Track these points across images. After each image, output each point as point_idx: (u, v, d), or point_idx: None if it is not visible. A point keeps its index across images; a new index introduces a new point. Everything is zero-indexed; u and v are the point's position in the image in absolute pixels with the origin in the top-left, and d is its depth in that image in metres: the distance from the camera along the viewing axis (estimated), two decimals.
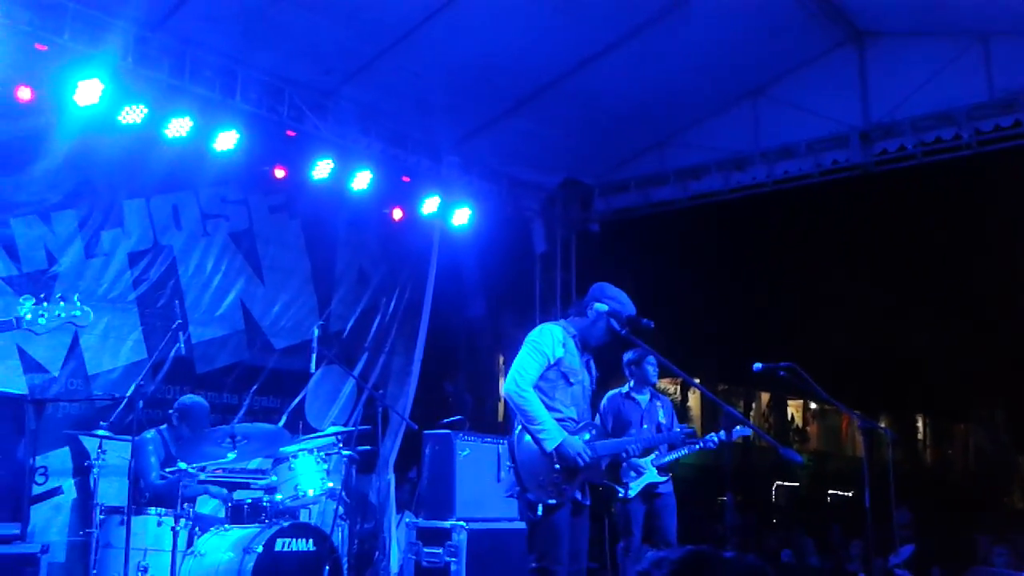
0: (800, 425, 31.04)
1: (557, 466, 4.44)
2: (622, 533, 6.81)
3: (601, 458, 4.66)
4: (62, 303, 4.43)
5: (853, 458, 25.12)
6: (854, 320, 24.39)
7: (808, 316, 23.87)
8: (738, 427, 6.88)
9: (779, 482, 25.65)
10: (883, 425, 7.75)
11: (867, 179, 9.03)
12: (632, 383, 6.91)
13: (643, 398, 6.88)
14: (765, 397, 29.74)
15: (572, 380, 4.61)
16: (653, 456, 6.84)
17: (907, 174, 9.41)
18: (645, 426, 6.81)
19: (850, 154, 8.68)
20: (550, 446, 4.42)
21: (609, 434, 6.14)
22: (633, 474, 6.78)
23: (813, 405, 31.01)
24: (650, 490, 6.81)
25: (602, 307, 4.62)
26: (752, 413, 28.12)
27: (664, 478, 6.84)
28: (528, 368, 4.54)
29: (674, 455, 6.86)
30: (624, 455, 4.81)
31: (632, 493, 6.76)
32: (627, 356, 6.73)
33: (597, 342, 4.66)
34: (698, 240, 19.64)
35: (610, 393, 6.96)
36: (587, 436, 4.58)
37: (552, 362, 4.57)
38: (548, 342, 4.59)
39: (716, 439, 6.76)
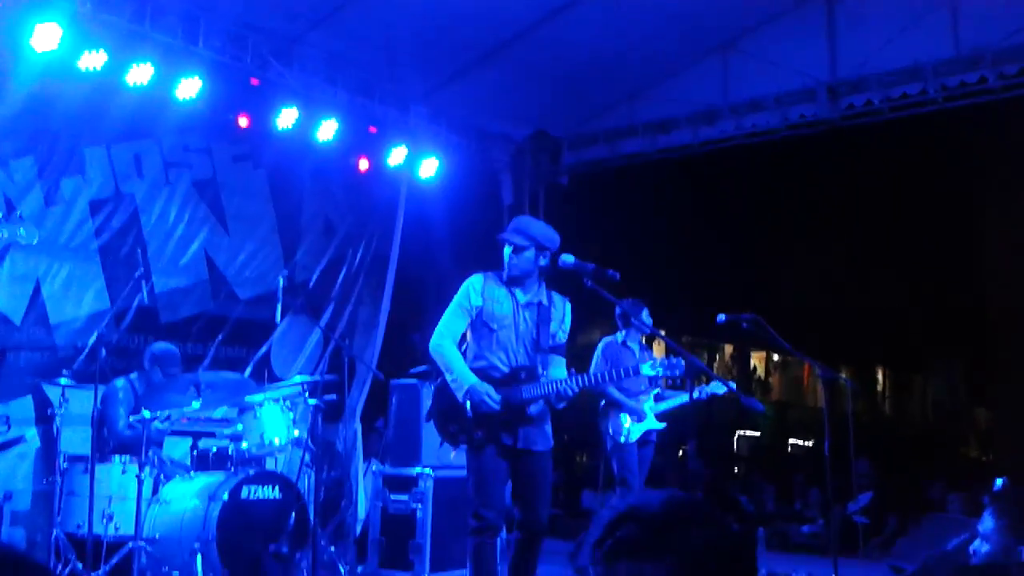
0: (763, 376, 31.51)
1: (470, 413, 4.65)
2: (617, 482, 6.85)
3: (525, 402, 4.72)
4: (4, 223, 4.37)
5: (814, 408, 25.57)
6: (817, 273, 24.68)
7: (772, 269, 24.13)
8: (714, 383, 6.91)
9: (741, 432, 26.07)
10: (844, 376, 7.88)
11: (834, 134, 9.09)
12: (625, 333, 6.97)
13: (635, 347, 6.99)
14: (729, 349, 30.11)
15: (494, 327, 4.78)
16: (652, 402, 6.91)
17: (873, 129, 9.49)
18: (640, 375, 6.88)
19: (817, 108, 8.70)
20: (460, 393, 4.66)
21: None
22: (635, 418, 6.85)
23: (776, 357, 31.46)
24: (646, 438, 6.90)
25: (519, 240, 4.79)
26: (716, 364, 28.48)
27: (662, 426, 6.91)
28: (444, 322, 4.83)
29: (674, 403, 6.93)
30: (555, 396, 4.74)
31: (632, 438, 6.82)
32: (621, 307, 6.55)
33: (520, 273, 4.80)
34: (666, 193, 19.73)
35: (606, 339, 7.04)
36: (519, 380, 4.72)
37: (473, 313, 4.80)
38: (463, 293, 4.85)
39: (707, 392, 6.82)
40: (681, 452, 13.77)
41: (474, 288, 4.84)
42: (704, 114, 9.22)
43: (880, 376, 34.22)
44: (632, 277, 5.70)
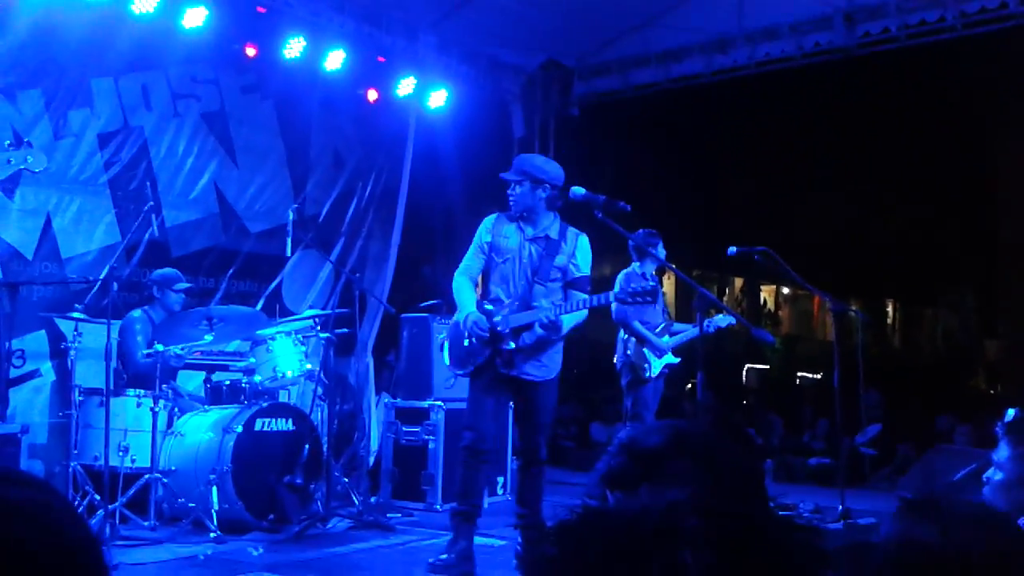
0: (772, 309, 31.51)
1: (465, 342, 4.94)
2: (630, 416, 6.81)
3: (514, 330, 4.86)
4: (12, 151, 4.34)
5: (824, 342, 25.61)
6: (829, 206, 24.50)
7: (784, 201, 23.95)
8: (721, 315, 6.89)
9: (750, 365, 26.17)
10: (854, 308, 7.85)
11: (849, 62, 8.92)
12: (641, 264, 6.86)
13: (651, 278, 6.90)
14: (739, 282, 30.06)
15: (498, 260, 5.01)
16: (667, 337, 6.87)
17: (889, 57, 9.30)
18: (657, 307, 6.85)
19: (833, 36, 8.53)
20: (460, 322, 4.98)
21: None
22: (657, 354, 6.80)
23: (786, 290, 31.41)
24: (663, 372, 6.88)
25: (513, 176, 4.97)
26: (725, 298, 28.47)
27: (677, 360, 6.88)
28: (464, 260, 5.11)
29: (685, 336, 6.90)
30: (538, 323, 4.84)
31: (653, 373, 6.79)
32: (635, 238, 6.39)
33: (522, 208, 4.96)
34: (678, 124, 19.50)
35: (627, 271, 6.85)
36: (506, 310, 4.90)
37: (486, 250, 5.04)
38: (478, 232, 5.10)
39: (716, 324, 6.80)
40: (690, 385, 13.84)
41: (486, 227, 5.07)
42: (718, 42, 9.06)
43: (890, 309, 34.18)
44: (644, 209, 5.67)
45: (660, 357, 6.83)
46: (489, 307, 4.93)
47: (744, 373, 25.90)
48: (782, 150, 23.39)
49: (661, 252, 6.77)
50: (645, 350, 6.82)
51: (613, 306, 6.77)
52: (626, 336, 6.90)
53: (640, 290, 5.01)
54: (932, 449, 8.04)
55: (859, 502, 6.58)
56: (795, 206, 24.04)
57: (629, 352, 6.86)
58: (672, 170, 21.31)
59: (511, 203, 4.97)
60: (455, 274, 5.10)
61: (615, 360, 7.04)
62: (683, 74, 9.40)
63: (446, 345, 5.15)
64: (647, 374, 6.78)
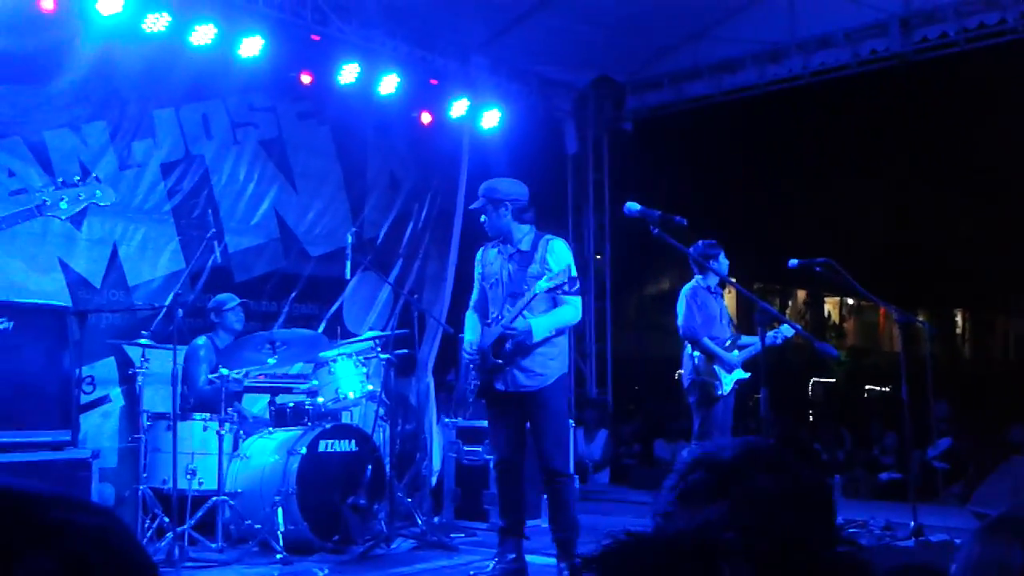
0: (837, 322, 30.97)
1: (470, 367, 5.16)
2: (697, 435, 6.57)
3: (492, 347, 5.00)
4: (82, 186, 4.45)
5: (890, 354, 25.07)
6: (892, 214, 24.06)
7: (845, 211, 23.58)
8: (783, 327, 6.64)
9: (815, 379, 25.73)
10: (921, 319, 7.67)
11: (906, 69, 8.78)
12: (703, 277, 6.67)
13: (716, 291, 6.75)
14: (801, 295, 29.63)
15: (487, 286, 5.22)
16: (736, 352, 6.65)
17: (948, 62, 9.13)
18: (724, 322, 6.72)
19: (889, 42, 8.40)
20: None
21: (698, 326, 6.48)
22: (726, 369, 6.57)
23: (850, 302, 30.87)
24: (734, 388, 6.64)
25: (476, 204, 5.18)
26: (788, 311, 28.06)
27: (747, 375, 6.65)
28: (472, 296, 5.38)
29: (755, 350, 6.63)
30: (505, 334, 4.96)
31: (725, 390, 6.52)
32: (695, 252, 6.33)
33: (495, 231, 5.17)
34: (733, 136, 19.34)
35: (691, 285, 6.67)
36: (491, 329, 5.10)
37: (479, 281, 5.29)
38: (475, 269, 5.35)
39: (780, 336, 6.59)
40: (753, 400, 13.65)
41: (477, 259, 5.34)
42: (770, 52, 8.99)
43: (959, 318, 33.40)
44: (700, 223, 5.61)
45: (730, 373, 6.62)
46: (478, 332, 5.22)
47: (810, 387, 25.48)
48: (840, 159, 23.06)
49: (723, 264, 6.59)
50: (715, 366, 6.61)
51: (680, 323, 6.67)
52: (694, 352, 6.66)
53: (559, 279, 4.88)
54: (1007, 462, 7.80)
55: (931, 518, 6.40)
56: (856, 216, 23.65)
57: (699, 369, 6.64)
58: (728, 182, 21.12)
59: (495, 227, 5.16)
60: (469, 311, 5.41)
61: (682, 377, 6.83)
62: (736, 86, 9.34)
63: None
64: (718, 391, 6.52)
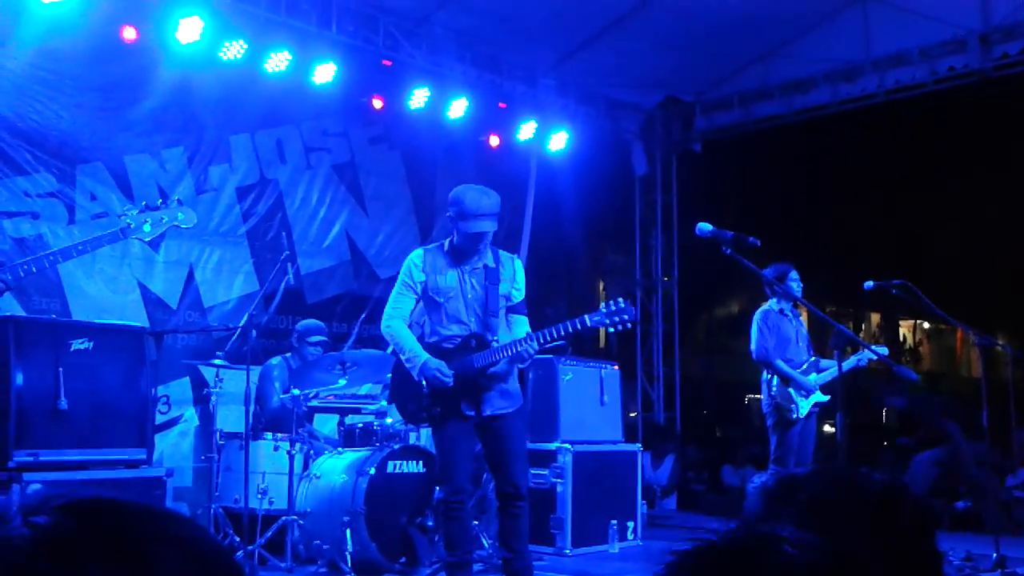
0: (913, 345, 30.20)
1: (426, 390, 4.59)
2: (773, 460, 6.46)
3: (479, 370, 4.59)
4: (164, 208, 4.56)
5: (969, 379, 24.39)
6: (969, 235, 23.42)
7: (921, 232, 23.03)
8: (863, 351, 6.49)
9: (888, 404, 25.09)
10: (1001, 342, 7.43)
11: (986, 85, 8.56)
12: (777, 300, 6.59)
13: (790, 313, 6.64)
14: (876, 317, 28.98)
15: (441, 299, 4.67)
16: (814, 375, 6.53)
17: None
18: (800, 344, 6.62)
19: (968, 59, 8.21)
20: (415, 371, 4.59)
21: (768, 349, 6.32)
22: (803, 393, 6.49)
23: (926, 325, 30.08)
24: (811, 411, 6.53)
25: (448, 212, 4.72)
26: (862, 334, 27.47)
27: (827, 398, 6.53)
28: (392, 302, 4.75)
29: (834, 374, 6.49)
30: (511, 360, 4.61)
31: (801, 414, 6.41)
32: (768, 274, 6.15)
33: (462, 246, 4.67)
34: (805, 157, 19.05)
35: (764, 309, 6.61)
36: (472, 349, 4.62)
37: (418, 290, 4.70)
38: (405, 271, 4.75)
39: (864, 359, 6.44)
40: (829, 424, 13.36)
41: (414, 263, 4.74)
42: (844, 71, 8.84)
43: None
44: (772, 244, 5.52)
45: (807, 397, 6.50)
46: (449, 348, 4.67)
47: (884, 413, 24.87)
48: (916, 179, 22.55)
49: (797, 286, 6.50)
50: (790, 389, 6.51)
51: (752, 347, 6.57)
52: (770, 376, 6.57)
53: (616, 312, 4.60)
54: None
55: (1014, 549, 6.17)
56: (933, 236, 23.09)
57: (774, 392, 6.50)
58: (800, 203, 20.79)
59: (460, 243, 4.68)
60: (384, 319, 4.74)
61: (761, 401, 6.72)
62: (808, 105, 9.20)
63: (392, 395, 4.93)
64: (794, 415, 6.40)
